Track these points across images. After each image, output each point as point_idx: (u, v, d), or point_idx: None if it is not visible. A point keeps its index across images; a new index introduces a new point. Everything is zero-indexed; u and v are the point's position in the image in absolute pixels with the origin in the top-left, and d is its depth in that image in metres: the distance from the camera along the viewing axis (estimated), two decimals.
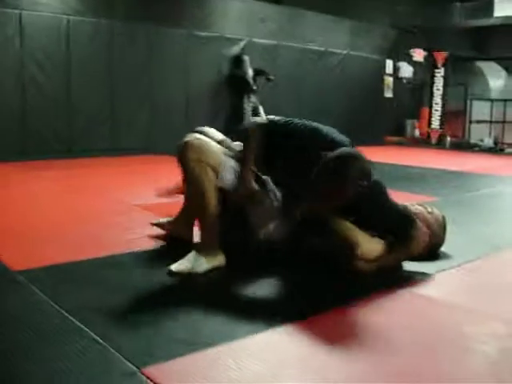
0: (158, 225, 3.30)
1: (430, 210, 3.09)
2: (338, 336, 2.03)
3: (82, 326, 2.00)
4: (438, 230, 3.05)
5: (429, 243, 2.89)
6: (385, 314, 2.30)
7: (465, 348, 1.98)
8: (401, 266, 2.84)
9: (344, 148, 2.66)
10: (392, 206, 2.81)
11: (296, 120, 2.89)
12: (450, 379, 1.75)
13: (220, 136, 3.03)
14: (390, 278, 2.66)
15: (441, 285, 2.69)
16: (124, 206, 3.43)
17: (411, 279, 2.70)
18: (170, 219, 3.27)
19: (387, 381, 1.72)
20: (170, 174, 3.36)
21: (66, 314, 2.10)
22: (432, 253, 3.02)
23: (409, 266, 2.87)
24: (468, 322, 2.23)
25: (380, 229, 2.78)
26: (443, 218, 3.09)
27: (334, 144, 2.69)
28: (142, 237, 3.25)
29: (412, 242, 2.79)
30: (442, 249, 3.09)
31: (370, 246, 2.70)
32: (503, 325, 2.18)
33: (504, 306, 2.43)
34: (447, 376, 1.77)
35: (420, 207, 3.08)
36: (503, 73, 13.99)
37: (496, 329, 2.15)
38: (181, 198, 3.22)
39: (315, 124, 2.86)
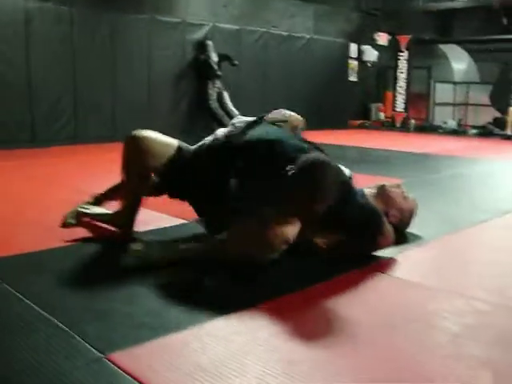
0: (88, 214, 3.23)
1: (405, 195, 3.08)
2: (303, 318, 2.05)
3: (46, 315, 1.98)
4: (408, 216, 3.08)
5: (393, 240, 2.84)
6: (348, 295, 2.33)
7: (428, 325, 2.02)
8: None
9: (310, 155, 2.62)
10: (362, 203, 2.77)
11: (254, 132, 2.88)
12: (413, 353, 1.78)
13: None
14: (354, 260, 2.68)
15: (404, 264, 2.73)
16: (86, 196, 3.38)
17: (374, 260, 2.74)
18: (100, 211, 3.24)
19: (352, 359, 1.75)
20: None
21: (30, 303, 2.08)
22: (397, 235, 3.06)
23: None
24: (431, 299, 2.27)
25: (350, 227, 2.71)
26: (416, 205, 3.11)
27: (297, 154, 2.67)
28: (105, 226, 3.22)
29: (381, 237, 2.75)
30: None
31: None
32: (464, 301, 2.23)
33: (465, 284, 2.48)
34: (410, 351, 1.80)
35: (397, 190, 3.07)
36: (466, 55, 14.16)
37: (457, 305, 2.19)
38: None
39: (274, 136, 2.84)
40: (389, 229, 2.77)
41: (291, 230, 2.48)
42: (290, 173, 2.51)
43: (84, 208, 3.23)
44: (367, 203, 2.81)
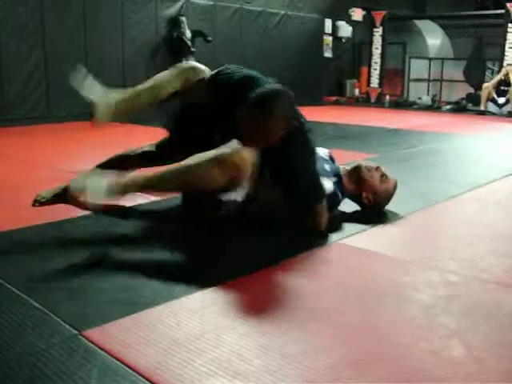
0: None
1: (384, 178, 3.05)
2: (276, 292, 2.07)
3: (21, 294, 1.97)
4: (384, 198, 3.08)
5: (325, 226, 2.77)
6: (321, 269, 2.35)
7: (401, 297, 2.05)
8: (335, 221, 2.88)
9: (270, 84, 2.61)
10: (311, 171, 2.72)
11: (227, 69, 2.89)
12: (387, 326, 1.81)
13: None
14: (325, 234, 2.71)
15: (376, 238, 2.76)
16: (60, 174, 3.36)
17: (347, 234, 2.76)
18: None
19: (326, 332, 1.77)
20: (107, 140, 3.30)
21: (4, 282, 2.06)
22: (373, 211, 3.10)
23: (343, 221, 2.94)
24: (404, 272, 2.30)
25: (287, 187, 2.69)
26: (395, 186, 3.10)
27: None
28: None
29: (315, 214, 2.73)
30: None
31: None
32: (437, 274, 2.27)
33: (437, 257, 2.52)
34: (383, 323, 1.83)
35: (374, 172, 3.03)
36: (440, 31, 14.20)
37: (430, 278, 2.23)
38: None
39: (246, 72, 2.84)
40: (325, 215, 2.75)
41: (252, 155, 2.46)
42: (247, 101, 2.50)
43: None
44: (318, 177, 2.75)
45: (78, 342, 1.65)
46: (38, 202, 3.02)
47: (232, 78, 2.81)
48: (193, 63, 2.96)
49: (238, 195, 2.74)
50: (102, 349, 1.61)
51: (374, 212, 3.08)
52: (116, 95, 2.64)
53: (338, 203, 2.97)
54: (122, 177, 2.53)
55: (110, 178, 2.46)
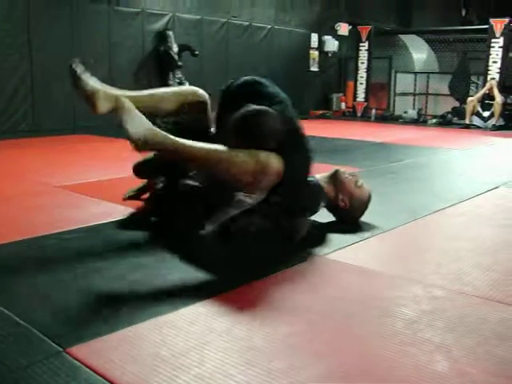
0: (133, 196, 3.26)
1: (359, 183, 3.14)
2: (260, 306, 2.07)
3: (4, 310, 1.96)
4: (359, 204, 3.13)
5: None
6: (306, 283, 2.35)
7: (386, 312, 2.05)
8: (321, 236, 2.92)
9: (253, 106, 2.64)
10: (307, 187, 2.83)
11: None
12: (371, 340, 1.81)
13: None
14: (311, 248, 2.72)
15: (362, 252, 2.77)
16: (46, 188, 3.34)
17: (332, 248, 2.77)
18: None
19: (311, 346, 1.77)
20: (92, 153, 3.29)
21: None
22: (349, 222, 3.15)
23: (329, 235, 2.95)
24: (389, 287, 2.31)
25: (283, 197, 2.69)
26: (369, 196, 3.17)
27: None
28: (64, 218, 3.19)
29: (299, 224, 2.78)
30: (363, 218, 3.20)
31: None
32: (421, 288, 2.28)
33: (422, 271, 2.52)
34: (368, 338, 1.83)
35: (350, 177, 3.13)
36: (425, 46, 14.33)
37: (414, 292, 2.23)
38: None
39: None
40: (304, 229, 2.79)
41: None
42: (231, 120, 2.58)
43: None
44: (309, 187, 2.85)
45: (62, 359, 1.64)
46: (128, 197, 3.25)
47: (231, 87, 3.00)
48: (194, 88, 3.08)
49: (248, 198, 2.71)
50: (86, 366, 1.60)
51: (349, 223, 3.11)
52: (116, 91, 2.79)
53: (322, 197, 3.03)
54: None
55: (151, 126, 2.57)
